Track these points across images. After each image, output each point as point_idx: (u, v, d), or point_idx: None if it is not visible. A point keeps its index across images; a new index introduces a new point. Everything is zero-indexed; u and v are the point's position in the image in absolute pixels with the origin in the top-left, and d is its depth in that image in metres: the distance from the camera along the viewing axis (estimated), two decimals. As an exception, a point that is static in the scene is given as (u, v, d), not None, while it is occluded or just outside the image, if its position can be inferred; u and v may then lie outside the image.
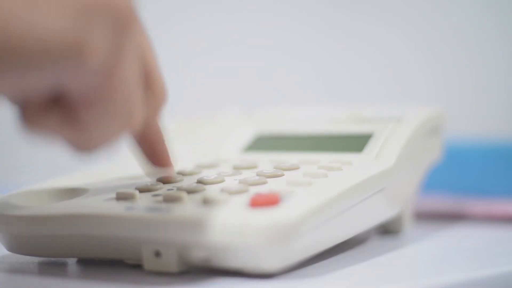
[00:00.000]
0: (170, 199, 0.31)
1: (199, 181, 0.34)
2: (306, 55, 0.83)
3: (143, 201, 0.32)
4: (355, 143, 0.39)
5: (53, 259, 0.35)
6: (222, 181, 0.34)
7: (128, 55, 0.27)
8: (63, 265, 0.35)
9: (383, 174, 0.36)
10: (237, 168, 0.37)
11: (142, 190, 0.34)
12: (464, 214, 0.48)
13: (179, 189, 0.33)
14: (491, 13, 0.85)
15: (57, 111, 0.27)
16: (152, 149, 0.34)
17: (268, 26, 0.82)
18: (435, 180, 0.48)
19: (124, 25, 0.26)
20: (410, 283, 0.32)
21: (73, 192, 0.36)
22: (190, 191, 0.32)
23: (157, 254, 0.31)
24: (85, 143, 0.28)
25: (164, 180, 0.35)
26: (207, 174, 0.36)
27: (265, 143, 0.43)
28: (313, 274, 0.32)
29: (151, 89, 0.30)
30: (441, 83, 0.86)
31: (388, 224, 0.41)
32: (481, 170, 0.51)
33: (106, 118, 0.27)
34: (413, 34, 0.85)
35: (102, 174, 0.39)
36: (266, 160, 0.39)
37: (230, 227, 0.29)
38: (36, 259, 0.35)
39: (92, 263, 0.34)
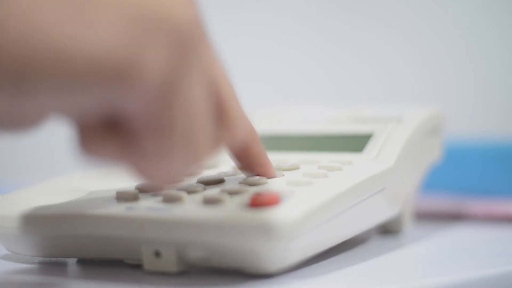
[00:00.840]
0: (170, 199, 0.31)
1: (200, 181, 0.34)
2: (306, 55, 0.83)
3: (143, 201, 0.32)
4: (355, 143, 0.39)
5: (53, 259, 0.35)
6: (222, 181, 0.34)
7: (192, 79, 0.25)
8: (63, 265, 0.35)
9: (383, 174, 0.36)
10: (237, 168, 0.37)
11: (142, 190, 0.34)
12: (464, 214, 0.48)
13: (179, 189, 0.33)
14: (491, 13, 0.85)
15: (116, 136, 0.25)
16: (247, 162, 0.33)
17: (269, 26, 0.82)
18: (435, 180, 0.48)
19: (186, 45, 0.24)
20: (410, 283, 0.32)
21: (73, 192, 0.36)
22: (190, 191, 0.32)
23: (157, 254, 0.31)
24: (149, 172, 0.26)
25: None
26: (207, 174, 0.36)
27: (265, 143, 0.43)
28: (313, 274, 0.32)
29: (225, 118, 0.28)
30: (441, 83, 0.86)
31: (388, 224, 0.41)
32: (481, 170, 0.51)
33: (168, 148, 0.25)
34: (413, 34, 0.85)
35: (102, 174, 0.39)
36: (266, 160, 0.38)
37: (230, 227, 0.29)
38: (36, 259, 0.35)
39: (92, 263, 0.34)
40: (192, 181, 0.35)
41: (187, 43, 0.24)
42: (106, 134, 0.25)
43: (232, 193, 0.31)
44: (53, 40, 0.22)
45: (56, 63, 0.22)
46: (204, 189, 0.33)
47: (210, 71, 0.26)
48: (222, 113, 0.28)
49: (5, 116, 0.23)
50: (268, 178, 0.34)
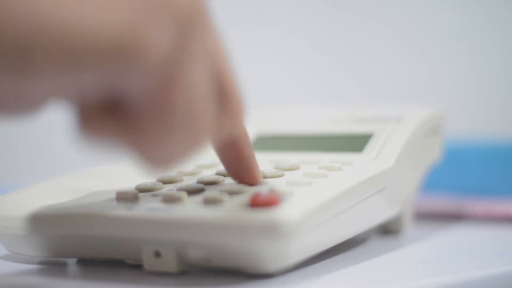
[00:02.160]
0: (170, 199, 0.31)
1: (199, 181, 0.34)
2: (306, 56, 0.83)
3: (143, 201, 0.32)
4: (355, 143, 0.39)
5: (53, 259, 0.35)
6: (222, 181, 0.34)
7: (194, 61, 0.25)
8: (63, 265, 0.35)
9: (383, 174, 0.36)
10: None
11: (142, 190, 0.34)
12: (464, 214, 0.48)
13: (179, 189, 0.33)
14: (491, 13, 0.85)
15: (117, 116, 0.25)
16: (235, 165, 0.32)
17: (269, 27, 0.82)
18: (435, 180, 0.48)
19: (189, 26, 0.24)
20: (410, 283, 0.32)
21: (73, 192, 0.36)
22: (190, 191, 0.32)
23: (157, 254, 0.31)
24: (149, 154, 0.26)
25: (164, 180, 0.35)
26: (207, 174, 0.36)
27: (265, 143, 0.43)
28: (313, 274, 0.32)
29: (225, 100, 0.28)
30: (441, 83, 0.86)
31: (388, 224, 0.41)
32: (481, 170, 0.51)
33: (169, 128, 0.25)
34: (413, 34, 0.85)
35: (102, 174, 0.39)
36: (266, 160, 0.39)
37: (230, 227, 0.29)
38: (36, 259, 0.35)
39: (92, 263, 0.34)
40: (192, 181, 0.35)
41: (190, 25, 0.24)
42: (106, 114, 0.25)
43: (232, 193, 0.31)
44: (55, 18, 0.22)
45: (59, 41, 0.22)
46: (204, 189, 0.33)
47: (213, 55, 0.26)
48: (224, 98, 0.28)
49: (8, 98, 0.23)
50: (253, 184, 0.33)
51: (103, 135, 0.25)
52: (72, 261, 0.35)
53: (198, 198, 0.31)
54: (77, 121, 0.25)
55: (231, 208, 0.30)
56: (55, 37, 0.22)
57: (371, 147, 0.39)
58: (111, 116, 0.25)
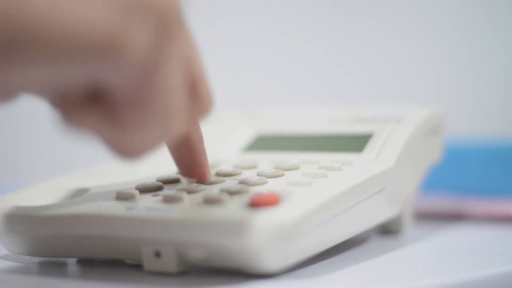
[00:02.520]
0: (170, 199, 0.31)
1: (199, 181, 0.34)
2: (306, 55, 0.83)
3: (143, 201, 0.32)
4: (355, 143, 0.39)
5: (53, 259, 0.35)
6: (222, 181, 0.34)
7: (170, 58, 0.26)
8: (63, 265, 0.35)
9: (383, 174, 0.36)
10: (237, 168, 0.37)
11: (142, 190, 0.34)
12: (464, 214, 0.48)
13: (179, 189, 0.33)
14: (491, 13, 0.85)
15: (97, 109, 0.26)
16: (187, 161, 0.33)
17: (269, 26, 0.82)
18: (435, 180, 0.48)
19: (167, 27, 0.26)
20: (410, 283, 0.32)
21: (73, 192, 0.36)
22: (190, 191, 0.32)
23: (157, 254, 0.31)
24: (124, 146, 0.28)
25: (164, 180, 0.35)
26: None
27: (265, 143, 0.43)
28: (313, 274, 0.32)
29: (196, 96, 0.29)
30: (441, 83, 0.86)
31: (388, 224, 0.41)
32: (481, 170, 0.51)
33: (146, 121, 0.27)
34: (413, 34, 0.85)
35: (102, 174, 0.39)
36: (266, 160, 0.39)
37: (230, 227, 0.29)
38: (36, 259, 0.35)
39: (92, 263, 0.34)
40: (192, 181, 0.35)
41: (168, 25, 0.26)
42: (87, 105, 0.26)
43: (232, 193, 0.31)
44: (38, 15, 0.23)
45: (41, 38, 0.23)
46: (204, 189, 0.33)
47: (187, 54, 0.28)
48: (194, 91, 0.29)
49: None
50: (203, 181, 0.34)
51: (84, 124, 0.27)
52: (72, 261, 0.35)
53: (198, 198, 0.31)
54: (58, 110, 0.27)
55: (231, 208, 0.30)
56: (41, 33, 0.23)
57: (371, 147, 0.39)
58: (91, 108, 0.27)
